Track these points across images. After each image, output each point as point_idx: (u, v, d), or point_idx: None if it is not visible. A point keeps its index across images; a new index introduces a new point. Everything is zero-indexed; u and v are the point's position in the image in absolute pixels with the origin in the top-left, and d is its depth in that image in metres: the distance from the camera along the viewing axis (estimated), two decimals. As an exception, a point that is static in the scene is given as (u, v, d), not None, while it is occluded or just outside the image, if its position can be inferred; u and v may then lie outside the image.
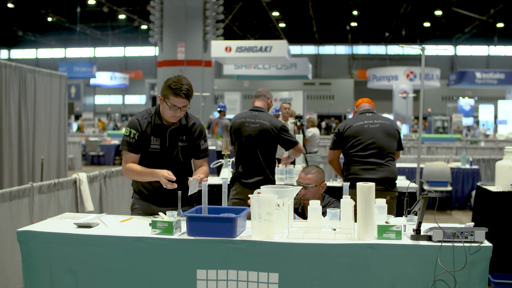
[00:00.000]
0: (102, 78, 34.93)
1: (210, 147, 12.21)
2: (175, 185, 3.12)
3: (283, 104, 8.53)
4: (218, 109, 11.61)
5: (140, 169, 3.27)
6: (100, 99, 43.38)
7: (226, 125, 11.06)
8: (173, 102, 3.19)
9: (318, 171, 3.62)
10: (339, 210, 2.85)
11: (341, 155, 4.55)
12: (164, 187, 3.13)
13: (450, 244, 2.58)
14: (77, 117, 33.48)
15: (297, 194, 3.55)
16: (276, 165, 5.46)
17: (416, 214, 2.84)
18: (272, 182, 4.50)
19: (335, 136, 4.53)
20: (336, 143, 4.50)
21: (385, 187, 4.21)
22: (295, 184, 3.90)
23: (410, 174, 8.47)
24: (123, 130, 25.99)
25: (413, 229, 2.70)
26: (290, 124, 8.39)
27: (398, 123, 23.03)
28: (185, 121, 3.39)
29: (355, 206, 2.76)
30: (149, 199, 3.41)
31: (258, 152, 4.45)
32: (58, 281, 2.79)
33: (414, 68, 27.60)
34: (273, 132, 4.48)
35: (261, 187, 2.94)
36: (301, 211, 3.64)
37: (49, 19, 32.82)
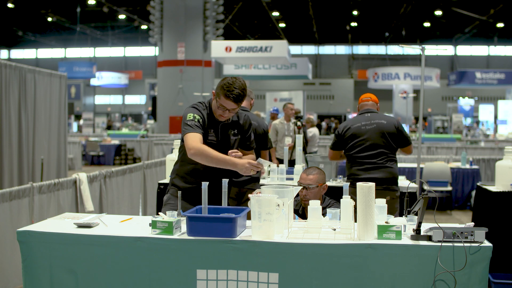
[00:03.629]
0: (102, 78, 34.92)
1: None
2: (259, 168, 3.03)
3: (288, 105, 8.54)
4: None
5: (216, 153, 3.08)
6: (100, 99, 43.38)
7: None
8: (222, 103, 3.18)
9: (319, 172, 3.64)
10: (339, 210, 2.85)
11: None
12: (251, 174, 3.04)
13: (450, 244, 2.58)
14: (77, 117, 33.49)
15: (297, 195, 3.55)
16: (277, 165, 5.47)
17: (416, 214, 2.84)
18: (258, 179, 4.62)
19: (335, 137, 4.62)
20: (336, 144, 4.60)
21: (383, 187, 4.23)
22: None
23: (410, 174, 8.47)
24: (123, 130, 25.78)
25: (413, 229, 2.70)
26: (292, 124, 8.39)
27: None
28: (236, 117, 3.42)
29: (355, 206, 2.76)
30: (188, 197, 3.29)
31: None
32: (58, 281, 2.79)
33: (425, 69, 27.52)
34: (261, 131, 4.60)
35: (261, 187, 2.94)
36: (301, 212, 3.64)
37: (49, 19, 32.81)
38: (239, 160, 3.05)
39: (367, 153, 4.35)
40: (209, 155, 3.06)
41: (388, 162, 4.36)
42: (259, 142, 4.64)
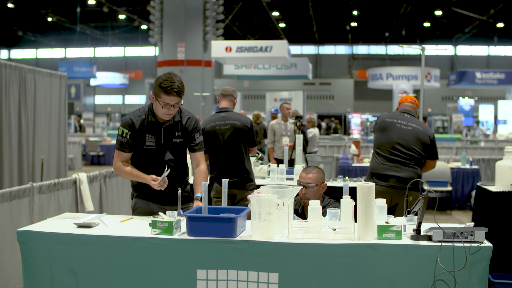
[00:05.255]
0: (102, 78, 34.92)
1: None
2: (165, 185, 3.21)
3: (284, 105, 8.55)
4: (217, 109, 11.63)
5: (129, 170, 3.36)
6: (100, 99, 43.36)
7: None
8: (165, 100, 3.21)
9: (319, 171, 3.64)
10: (339, 210, 2.85)
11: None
12: (157, 189, 3.23)
13: (450, 244, 2.58)
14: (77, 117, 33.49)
15: (297, 195, 3.56)
16: (277, 165, 5.47)
17: (416, 214, 2.84)
18: (250, 179, 4.59)
19: (373, 132, 4.61)
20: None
21: (408, 186, 4.17)
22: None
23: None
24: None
25: (413, 229, 2.70)
26: (289, 124, 8.39)
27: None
28: (179, 117, 3.42)
29: (355, 206, 2.76)
30: (150, 197, 3.43)
31: (234, 152, 4.52)
32: (58, 281, 2.79)
33: (430, 69, 27.51)
34: (245, 129, 4.57)
35: (261, 187, 2.94)
36: (301, 212, 3.65)
37: (49, 19, 32.79)
38: (146, 176, 3.28)
39: (396, 151, 4.29)
40: (124, 172, 3.39)
41: (415, 164, 4.31)
42: (243, 140, 4.58)
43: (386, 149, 4.33)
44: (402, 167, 4.25)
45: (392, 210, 4.07)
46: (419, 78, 26.91)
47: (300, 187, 3.40)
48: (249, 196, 2.76)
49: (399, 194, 4.06)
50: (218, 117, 4.59)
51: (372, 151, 4.54)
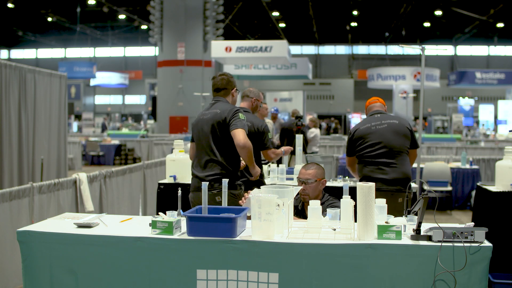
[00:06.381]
0: (102, 78, 34.92)
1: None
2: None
3: (263, 105, 8.55)
4: None
5: None
6: (100, 99, 43.36)
7: None
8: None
9: (318, 167, 3.64)
10: (339, 210, 2.85)
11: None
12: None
13: (450, 244, 2.58)
14: (77, 117, 33.48)
15: (297, 194, 3.56)
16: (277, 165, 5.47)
17: (416, 214, 2.84)
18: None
19: (347, 142, 4.49)
20: (348, 148, 4.46)
21: (397, 188, 4.12)
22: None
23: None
24: (123, 130, 25.76)
25: (413, 229, 2.70)
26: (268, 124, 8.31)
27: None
28: None
29: (355, 206, 2.76)
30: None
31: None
32: (58, 281, 2.79)
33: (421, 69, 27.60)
34: (256, 131, 4.39)
35: (261, 187, 2.94)
36: (300, 208, 3.65)
37: (49, 19, 32.80)
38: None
39: (377, 152, 4.23)
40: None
41: (401, 161, 4.23)
42: (253, 142, 4.47)
43: (369, 153, 4.26)
44: (386, 168, 4.19)
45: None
46: (407, 78, 27.01)
47: (300, 187, 3.40)
48: (246, 195, 2.77)
49: (387, 196, 3.96)
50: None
51: (357, 162, 4.41)
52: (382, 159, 4.21)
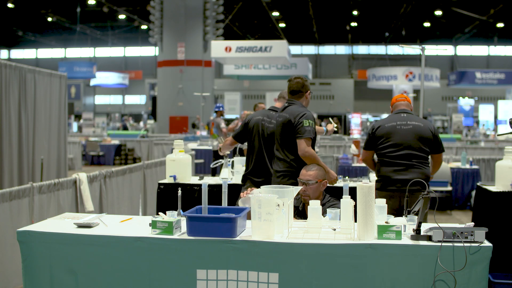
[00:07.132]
0: (102, 78, 34.92)
1: (207, 148, 12.31)
2: None
3: (259, 105, 8.56)
4: (215, 109, 11.69)
5: None
6: (100, 99, 43.36)
7: (219, 124, 11.22)
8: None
9: (319, 169, 3.65)
10: (339, 210, 2.85)
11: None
12: None
13: (450, 244, 2.58)
14: (77, 117, 33.48)
15: (298, 194, 3.56)
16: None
17: (416, 214, 2.84)
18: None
19: (368, 136, 4.49)
20: (368, 143, 4.46)
21: (416, 188, 4.05)
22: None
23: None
24: (128, 126, 25.82)
25: (413, 229, 2.70)
26: None
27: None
28: None
29: (355, 206, 2.76)
30: None
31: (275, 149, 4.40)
32: (58, 281, 2.79)
33: (413, 69, 27.65)
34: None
35: (261, 186, 2.94)
36: (301, 209, 3.65)
37: (49, 19, 32.80)
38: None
39: (400, 153, 4.21)
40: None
41: (420, 164, 4.23)
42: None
43: (390, 153, 4.26)
44: (408, 169, 4.20)
45: (402, 214, 4.02)
46: (398, 78, 27.04)
47: (300, 187, 3.41)
48: (242, 194, 2.77)
49: (411, 198, 3.96)
50: (267, 114, 4.73)
51: (377, 158, 4.44)
52: (402, 161, 4.20)
